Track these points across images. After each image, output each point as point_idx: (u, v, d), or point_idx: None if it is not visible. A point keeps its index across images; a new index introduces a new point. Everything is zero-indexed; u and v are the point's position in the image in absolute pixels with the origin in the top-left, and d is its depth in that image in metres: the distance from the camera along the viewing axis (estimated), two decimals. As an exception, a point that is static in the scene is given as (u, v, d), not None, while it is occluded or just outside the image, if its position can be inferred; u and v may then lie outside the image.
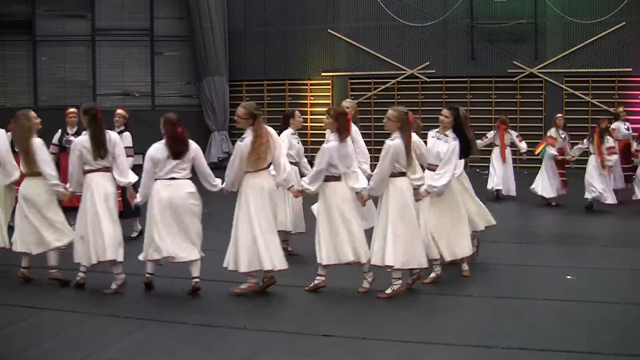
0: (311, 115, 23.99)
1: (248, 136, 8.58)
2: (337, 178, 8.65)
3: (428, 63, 23.13)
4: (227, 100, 23.95)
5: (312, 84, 24.33)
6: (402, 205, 8.46)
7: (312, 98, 24.24)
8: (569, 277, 9.42)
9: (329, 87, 24.11)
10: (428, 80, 23.13)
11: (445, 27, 22.87)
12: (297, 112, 10.82)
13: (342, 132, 8.65)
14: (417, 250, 8.53)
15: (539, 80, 22.42)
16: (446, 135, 9.00)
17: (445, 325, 7.53)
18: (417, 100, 22.95)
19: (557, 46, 22.26)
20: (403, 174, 8.56)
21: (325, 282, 8.71)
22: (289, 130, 10.57)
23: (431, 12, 22.81)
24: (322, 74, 24.09)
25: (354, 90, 23.81)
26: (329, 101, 23.78)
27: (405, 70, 23.29)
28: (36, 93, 24.39)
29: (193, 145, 8.81)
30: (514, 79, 22.53)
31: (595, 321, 7.65)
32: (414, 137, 9.02)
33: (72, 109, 12.17)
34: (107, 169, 8.96)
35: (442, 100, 21.97)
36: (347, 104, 9.80)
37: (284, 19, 24.33)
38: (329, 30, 23.84)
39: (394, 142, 8.43)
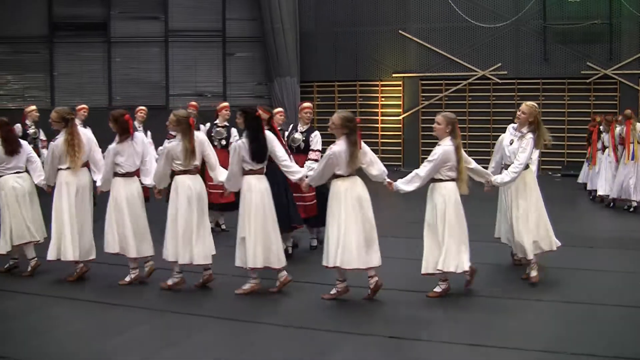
0: (382, 116, 24.01)
1: (61, 137, 9.25)
2: (122, 175, 9.08)
3: (500, 64, 22.96)
4: (298, 101, 24.01)
5: (383, 85, 24.34)
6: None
7: (383, 99, 24.25)
8: (642, 282, 9.27)
9: (400, 88, 24.10)
10: (500, 81, 22.96)
11: (517, 28, 22.66)
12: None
13: (122, 134, 9.13)
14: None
15: (614, 82, 22.06)
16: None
17: (513, 329, 7.45)
18: (489, 102, 22.82)
19: (632, 47, 21.89)
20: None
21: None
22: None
23: (503, 12, 22.62)
24: (393, 75, 24.07)
25: (425, 92, 23.76)
26: (400, 102, 23.80)
27: (476, 71, 23.14)
28: (110, 93, 24.86)
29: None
30: (587, 81, 22.21)
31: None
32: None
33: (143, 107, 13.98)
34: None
35: (514, 102, 21.77)
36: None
37: (354, 20, 24.39)
38: (400, 31, 23.83)
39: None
